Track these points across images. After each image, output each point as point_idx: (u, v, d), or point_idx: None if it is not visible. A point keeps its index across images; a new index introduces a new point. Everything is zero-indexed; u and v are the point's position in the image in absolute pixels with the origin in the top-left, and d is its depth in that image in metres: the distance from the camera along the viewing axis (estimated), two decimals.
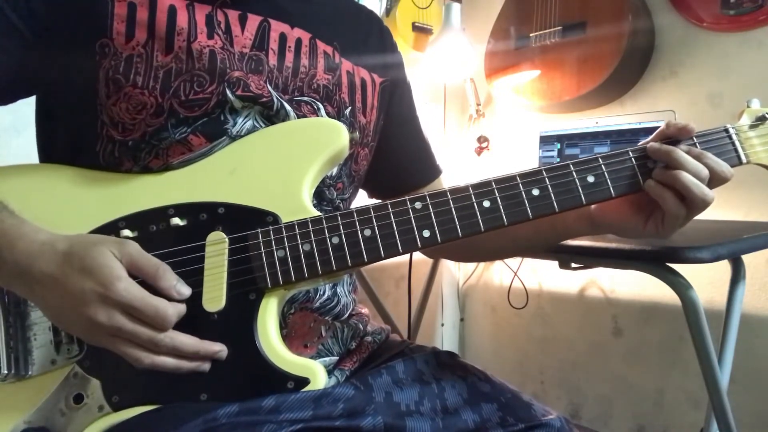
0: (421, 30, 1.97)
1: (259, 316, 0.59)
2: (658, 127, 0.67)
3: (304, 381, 0.58)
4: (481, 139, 2.11)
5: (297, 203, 0.62)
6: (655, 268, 0.98)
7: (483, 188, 0.63)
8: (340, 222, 0.61)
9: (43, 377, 0.59)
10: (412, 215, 0.61)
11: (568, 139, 1.54)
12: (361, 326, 0.78)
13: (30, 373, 0.59)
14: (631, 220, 0.66)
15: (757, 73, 1.52)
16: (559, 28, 1.69)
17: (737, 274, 1.27)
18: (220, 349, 0.58)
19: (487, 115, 2.11)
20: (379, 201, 0.64)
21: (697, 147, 0.63)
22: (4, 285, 0.59)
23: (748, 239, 1.06)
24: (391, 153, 0.84)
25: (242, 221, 0.61)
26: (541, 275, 2.02)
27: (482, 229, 0.62)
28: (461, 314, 2.29)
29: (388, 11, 1.95)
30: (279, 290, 0.60)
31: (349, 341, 0.75)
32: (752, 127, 0.67)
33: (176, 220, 0.61)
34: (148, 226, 0.61)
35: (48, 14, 0.61)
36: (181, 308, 0.56)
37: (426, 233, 0.61)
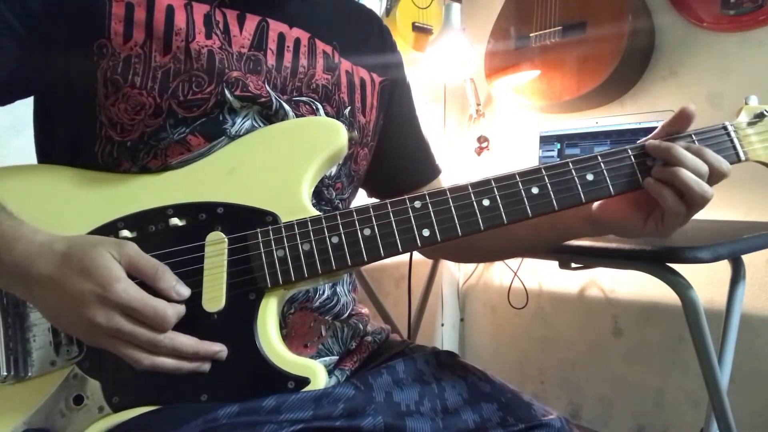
0: (421, 30, 1.97)
1: (259, 316, 0.59)
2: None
3: (305, 381, 0.58)
4: (481, 139, 2.11)
5: (296, 203, 0.62)
6: (655, 268, 0.98)
7: (482, 187, 0.62)
8: (339, 221, 0.61)
9: (43, 378, 0.59)
10: (411, 214, 0.61)
11: (568, 139, 1.54)
12: (361, 326, 0.78)
13: (29, 374, 0.59)
14: (631, 219, 0.66)
15: (757, 73, 1.52)
16: (559, 28, 1.69)
17: (737, 274, 1.27)
18: (220, 349, 0.57)
19: (487, 115, 2.11)
20: (379, 200, 0.64)
21: (695, 144, 0.63)
22: (2, 286, 0.58)
23: (748, 239, 1.06)
24: (391, 153, 0.84)
25: (241, 221, 0.61)
26: (541, 275, 2.02)
27: (482, 228, 0.62)
28: (461, 314, 2.29)
29: (388, 11, 1.95)
30: (279, 290, 0.60)
31: (349, 341, 0.75)
32: (750, 124, 0.66)
33: (175, 221, 0.61)
34: (147, 226, 0.61)
35: (45, 14, 0.61)
36: (181, 309, 0.56)
37: (426, 232, 0.61)
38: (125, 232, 0.60)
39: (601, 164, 0.64)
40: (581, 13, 1.65)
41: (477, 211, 0.62)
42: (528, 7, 1.78)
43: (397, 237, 0.61)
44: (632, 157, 0.64)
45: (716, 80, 1.59)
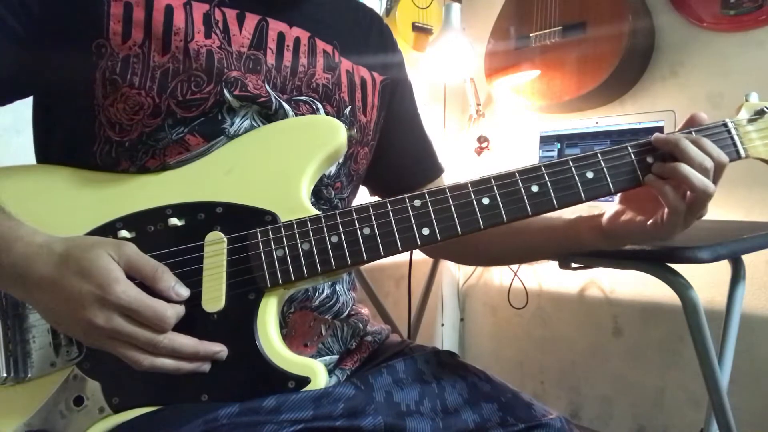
0: (421, 30, 1.97)
1: (258, 315, 0.59)
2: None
3: (305, 380, 0.58)
4: (481, 139, 2.11)
5: (295, 202, 0.62)
6: (655, 268, 0.98)
7: (482, 185, 0.62)
8: (339, 221, 0.61)
9: (43, 380, 0.58)
10: (411, 213, 0.61)
11: (568, 139, 1.54)
12: (361, 325, 0.78)
13: (29, 375, 0.59)
14: (635, 223, 0.66)
15: (757, 73, 1.52)
16: (559, 28, 1.69)
17: (737, 274, 1.26)
18: (220, 349, 0.57)
19: (487, 115, 2.11)
20: (380, 199, 0.64)
21: (693, 135, 0.63)
22: (1, 288, 0.58)
23: (748, 239, 1.06)
24: (393, 151, 0.84)
25: (241, 221, 0.61)
26: (541, 275, 2.02)
27: (482, 227, 0.62)
28: (461, 314, 2.28)
29: (388, 11, 1.95)
30: (278, 290, 0.60)
31: (349, 340, 0.75)
32: (751, 121, 0.66)
33: (174, 220, 0.61)
34: (146, 226, 0.61)
35: (43, 15, 0.61)
36: (180, 309, 0.56)
37: (425, 231, 0.61)
38: (124, 233, 0.60)
39: (601, 162, 0.63)
40: (581, 13, 1.65)
41: (477, 210, 0.62)
42: (528, 7, 1.78)
43: (396, 236, 0.61)
44: (632, 154, 0.64)
45: (716, 80, 1.59)
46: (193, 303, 0.58)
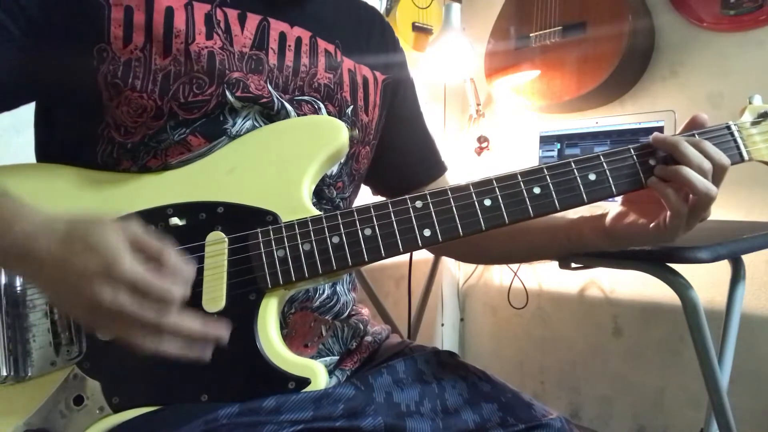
0: (421, 30, 1.97)
1: (259, 316, 0.59)
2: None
3: (305, 381, 0.58)
4: (481, 139, 2.11)
5: (297, 202, 0.62)
6: (655, 268, 0.98)
7: (484, 186, 0.62)
8: (340, 221, 0.61)
9: (43, 379, 0.58)
10: (412, 214, 0.61)
11: (568, 139, 1.54)
12: (361, 326, 0.78)
13: (29, 374, 0.58)
14: (638, 225, 0.66)
15: (757, 73, 1.52)
16: (559, 28, 1.69)
17: (737, 274, 1.26)
18: (224, 333, 0.55)
19: (487, 115, 2.11)
20: (382, 199, 0.64)
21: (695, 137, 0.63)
22: (3, 267, 0.58)
23: (748, 239, 1.06)
24: (396, 150, 0.84)
25: (242, 221, 0.61)
26: (541, 275, 2.02)
27: (483, 228, 0.62)
28: (461, 314, 2.28)
29: (388, 11, 1.95)
30: (279, 290, 0.60)
31: (349, 341, 0.75)
32: (754, 123, 0.66)
33: (175, 220, 0.61)
34: (147, 226, 0.60)
35: (44, 20, 0.60)
36: (186, 291, 0.53)
37: (427, 232, 0.61)
38: None
39: (604, 164, 0.63)
40: (581, 13, 1.65)
41: (478, 211, 0.61)
42: (528, 7, 1.78)
43: (398, 237, 0.61)
44: (635, 156, 0.64)
45: (716, 80, 1.59)
46: (194, 303, 0.57)
